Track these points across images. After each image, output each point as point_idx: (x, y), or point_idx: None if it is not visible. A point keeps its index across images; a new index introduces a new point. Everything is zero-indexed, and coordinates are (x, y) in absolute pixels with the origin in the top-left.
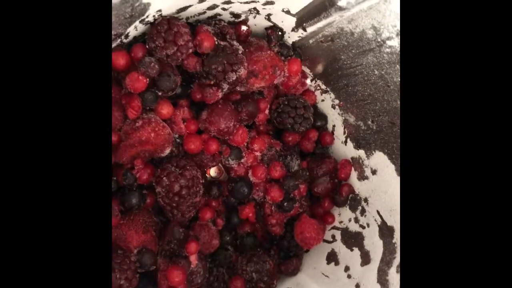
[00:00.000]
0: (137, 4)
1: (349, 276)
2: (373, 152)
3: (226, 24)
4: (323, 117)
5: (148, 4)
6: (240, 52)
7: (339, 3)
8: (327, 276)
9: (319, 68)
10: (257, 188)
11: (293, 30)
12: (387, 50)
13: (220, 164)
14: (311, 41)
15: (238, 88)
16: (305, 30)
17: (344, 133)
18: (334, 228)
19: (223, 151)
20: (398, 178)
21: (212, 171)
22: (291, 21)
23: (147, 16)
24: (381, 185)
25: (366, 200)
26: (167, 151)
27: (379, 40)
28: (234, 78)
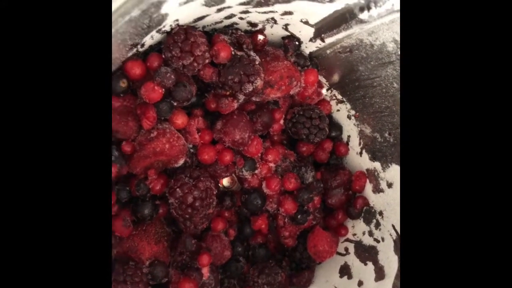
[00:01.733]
0: (155, 15)
1: None
2: (390, 165)
3: (243, 33)
4: (338, 128)
5: (166, 15)
6: (257, 62)
7: (361, 16)
8: None
9: (336, 78)
10: (270, 200)
11: (310, 40)
12: None
13: (233, 174)
14: (328, 51)
15: (253, 98)
16: (323, 41)
17: (360, 144)
18: (347, 240)
19: (237, 162)
20: None
21: (225, 181)
22: (309, 32)
23: (164, 26)
24: (397, 199)
25: (381, 213)
26: (181, 161)
27: (399, 53)
28: (250, 89)
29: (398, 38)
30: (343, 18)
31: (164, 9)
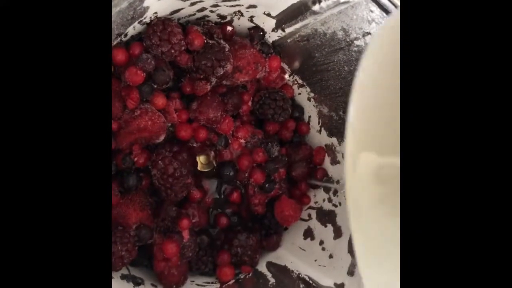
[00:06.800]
0: (138, 8)
1: (323, 249)
2: (344, 139)
3: (213, 24)
4: (300, 109)
5: (147, 8)
6: (226, 49)
7: (313, 8)
8: (304, 250)
9: (296, 64)
10: (242, 172)
11: (273, 30)
12: (355, 49)
13: (209, 153)
14: (289, 40)
15: (224, 82)
16: (283, 31)
17: (319, 123)
18: (310, 208)
19: (211, 138)
20: None
21: (202, 159)
22: (271, 23)
23: (145, 18)
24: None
25: (338, 181)
26: (162, 137)
27: (347, 40)
28: (221, 73)
29: (345, 26)
30: (299, 10)
31: (146, 3)
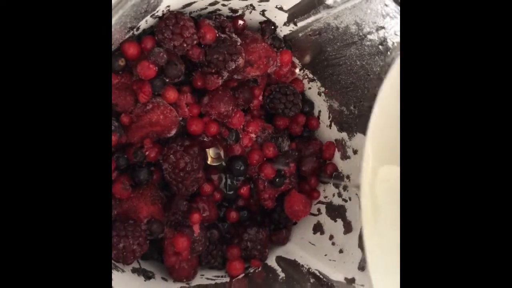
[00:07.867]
0: (152, 1)
1: (333, 244)
2: (355, 134)
3: (225, 18)
4: (310, 104)
5: (160, 1)
6: (238, 43)
7: (327, 2)
8: (314, 244)
9: (307, 58)
10: (252, 166)
11: (284, 24)
12: (368, 43)
13: (219, 146)
14: (300, 35)
15: (235, 76)
16: (295, 25)
17: (329, 117)
18: (320, 202)
19: (222, 133)
20: None
21: (212, 152)
22: (283, 17)
23: (157, 11)
24: (361, 163)
25: (348, 177)
26: (173, 132)
27: (360, 34)
28: (233, 67)
29: (359, 21)
30: (312, 4)
31: None
